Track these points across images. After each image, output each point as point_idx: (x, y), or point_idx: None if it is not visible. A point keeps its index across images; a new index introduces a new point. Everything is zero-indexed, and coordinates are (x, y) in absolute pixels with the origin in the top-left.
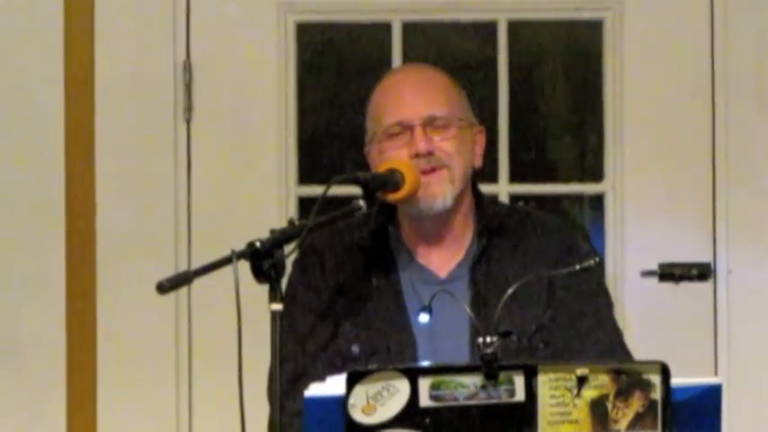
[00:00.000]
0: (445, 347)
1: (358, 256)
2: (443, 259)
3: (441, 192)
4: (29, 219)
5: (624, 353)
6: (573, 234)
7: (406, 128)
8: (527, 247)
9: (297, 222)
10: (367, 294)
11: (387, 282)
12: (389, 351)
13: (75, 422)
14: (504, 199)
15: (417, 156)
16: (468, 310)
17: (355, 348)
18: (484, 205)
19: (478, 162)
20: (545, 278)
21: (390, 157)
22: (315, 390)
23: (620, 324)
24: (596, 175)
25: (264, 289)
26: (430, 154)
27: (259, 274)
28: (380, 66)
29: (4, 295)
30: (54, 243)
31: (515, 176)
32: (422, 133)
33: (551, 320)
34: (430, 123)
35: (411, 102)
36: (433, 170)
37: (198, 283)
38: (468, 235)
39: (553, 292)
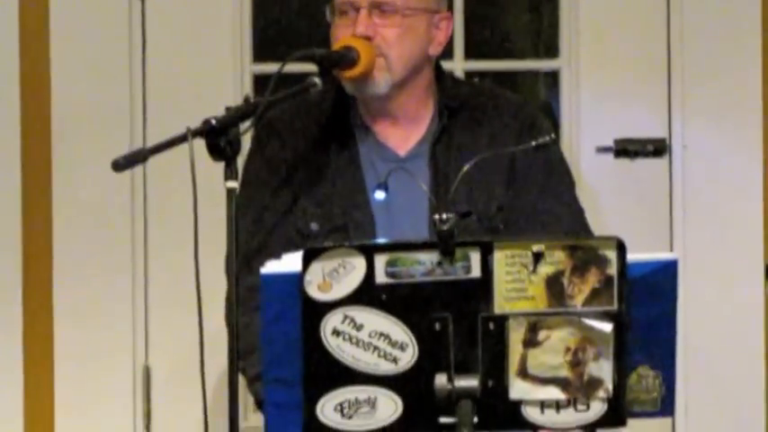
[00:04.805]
0: (404, 226)
1: (316, 132)
2: (402, 138)
3: (375, 77)
4: None
5: (585, 230)
6: (534, 112)
7: (354, 8)
8: (488, 125)
9: (252, 99)
10: (325, 169)
11: (345, 157)
12: (348, 228)
13: (30, 322)
14: (459, 75)
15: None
16: (425, 187)
17: (314, 226)
18: (445, 84)
19: (435, 50)
20: (506, 158)
21: (336, 34)
22: (271, 266)
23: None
24: (551, 51)
25: (220, 167)
26: (368, 39)
27: (214, 151)
28: None
29: None
30: (9, 122)
31: (470, 53)
32: (366, 16)
33: (512, 200)
34: (377, 7)
35: None
36: None
37: (153, 161)
38: (429, 114)
39: (514, 171)
